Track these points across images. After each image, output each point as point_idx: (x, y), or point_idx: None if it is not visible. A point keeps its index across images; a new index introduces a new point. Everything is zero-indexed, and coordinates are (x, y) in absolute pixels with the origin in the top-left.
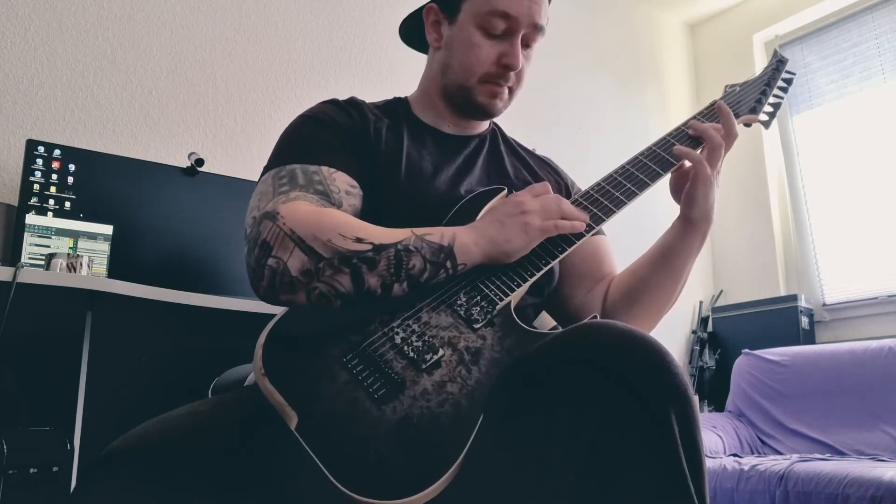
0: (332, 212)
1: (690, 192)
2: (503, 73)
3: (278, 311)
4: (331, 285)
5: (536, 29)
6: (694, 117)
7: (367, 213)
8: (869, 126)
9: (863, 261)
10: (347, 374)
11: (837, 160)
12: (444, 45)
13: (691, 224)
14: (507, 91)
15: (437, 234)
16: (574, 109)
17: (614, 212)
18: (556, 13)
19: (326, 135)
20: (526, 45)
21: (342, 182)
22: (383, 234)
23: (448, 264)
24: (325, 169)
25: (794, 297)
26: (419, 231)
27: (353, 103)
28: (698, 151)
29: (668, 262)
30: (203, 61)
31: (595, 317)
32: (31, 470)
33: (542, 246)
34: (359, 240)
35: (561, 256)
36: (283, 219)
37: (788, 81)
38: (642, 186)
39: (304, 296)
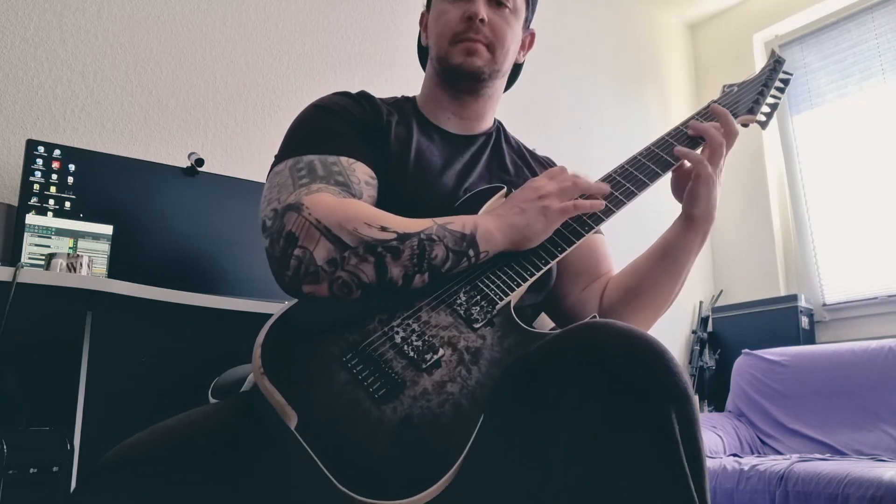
0: (355, 202)
1: (693, 191)
2: (470, 26)
3: (276, 309)
4: (354, 274)
5: None
6: (692, 118)
7: (376, 205)
8: (869, 126)
9: (863, 261)
10: (347, 373)
11: (837, 160)
12: (429, 35)
13: (693, 222)
14: (483, 48)
15: (459, 223)
16: (574, 109)
17: (614, 211)
18: (555, 13)
19: (342, 125)
20: (498, 2)
21: (362, 173)
22: (406, 223)
23: (471, 252)
24: (343, 160)
25: (794, 297)
26: (441, 220)
27: (364, 96)
28: (698, 151)
29: (668, 259)
30: (203, 61)
31: (595, 316)
32: (31, 470)
33: (541, 244)
34: (383, 228)
35: (560, 256)
36: (308, 209)
37: (786, 82)
38: (641, 186)
39: (327, 286)
